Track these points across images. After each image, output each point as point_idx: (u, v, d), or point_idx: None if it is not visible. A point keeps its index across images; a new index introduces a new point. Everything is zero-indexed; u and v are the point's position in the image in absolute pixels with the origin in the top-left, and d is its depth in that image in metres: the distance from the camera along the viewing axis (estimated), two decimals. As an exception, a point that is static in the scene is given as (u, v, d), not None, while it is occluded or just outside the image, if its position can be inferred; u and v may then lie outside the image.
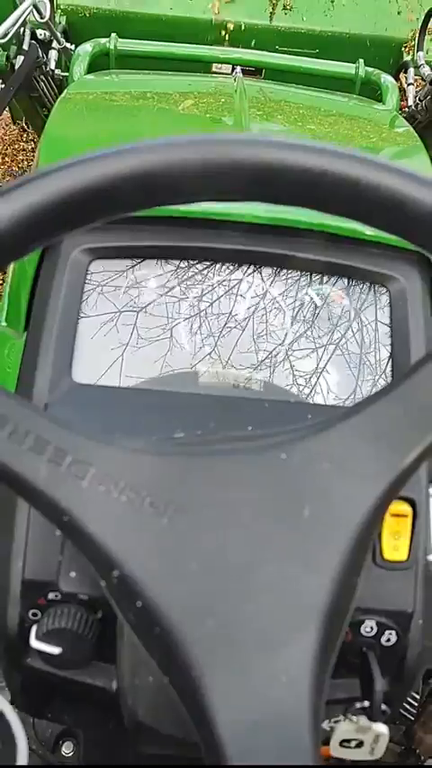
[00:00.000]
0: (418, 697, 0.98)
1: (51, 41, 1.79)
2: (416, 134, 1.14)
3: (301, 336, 0.68)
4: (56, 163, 0.41)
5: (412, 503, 0.59)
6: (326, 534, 0.41)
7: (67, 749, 0.94)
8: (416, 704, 0.97)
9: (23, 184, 0.39)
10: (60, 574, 0.55)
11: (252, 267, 0.70)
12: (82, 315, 0.66)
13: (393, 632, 0.59)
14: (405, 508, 0.59)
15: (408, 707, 0.94)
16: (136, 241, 0.68)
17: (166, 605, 0.39)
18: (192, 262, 0.69)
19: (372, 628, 0.59)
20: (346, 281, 0.70)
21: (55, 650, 0.55)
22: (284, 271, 0.70)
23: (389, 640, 0.59)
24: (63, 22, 1.98)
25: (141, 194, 0.41)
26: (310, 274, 0.70)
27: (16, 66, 1.58)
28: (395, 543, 0.58)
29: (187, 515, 0.40)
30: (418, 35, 1.89)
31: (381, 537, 0.58)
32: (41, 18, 1.60)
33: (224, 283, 0.69)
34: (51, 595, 0.57)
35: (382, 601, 0.59)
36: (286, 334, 0.68)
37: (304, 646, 0.39)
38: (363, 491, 0.41)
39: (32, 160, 2.57)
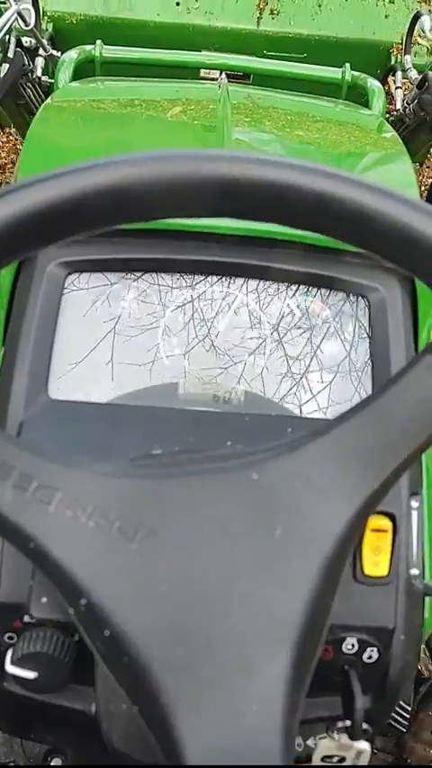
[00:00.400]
0: (408, 708, 0.97)
1: (38, 48, 1.78)
2: (400, 140, 1.14)
3: (282, 348, 0.68)
4: (25, 179, 0.40)
5: (392, 517, 0.58)
6: (297, 555, 0.40)
7: (56, 763, 0.93)
8: (407, 714, 0.96)
9: None
10: (31, 599, 0.54)
11: (231, 279, 0.69)
12: (59, 329, 0.66)
13: (375, 649, 0.58)
14: (385, 523, 0.58)
15: (399, 717, 0.93)
16: (112, 254, 0.67)
17: (135, 634, 0.38)
18: (169, 274, 0.69)
19: (353, 645, 0.58)
20: (325, 291, 0.69)
21: (30, 675, 0.54)
22: (264, 282, 0.69)
23: (371, 657, 0.59)
24: (50, 29, 1.97)
25: (111, 210, 0.41)
26: (290, 285, 0.69)
27: (1, 75, 1.57)
28: (375, 559, 0.58)
29: (157, 540, 0.40)
30: (405, 39, 1.89)
31: (361, 552, 0.58)
32: (26, 26, 1.59)
33: (203, 296, 0.69)
34: (27, 618, 0.56)
35: (362, 617, 0.58)
36: (266, 347, 0.68)
37: (276, 670, 0.38)
38: (335, 511, 0.41)
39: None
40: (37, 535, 0.39)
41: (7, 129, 2.71)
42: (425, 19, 1.75)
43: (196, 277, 0.69)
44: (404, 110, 1.86)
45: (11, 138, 2.89)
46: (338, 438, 0.42)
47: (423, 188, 2.58)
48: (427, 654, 1.11)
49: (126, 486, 0.41)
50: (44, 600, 0.54)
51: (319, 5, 2.10)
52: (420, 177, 2.84)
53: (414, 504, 0.61)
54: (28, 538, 0.39)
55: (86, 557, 0.39)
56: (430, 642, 0.92)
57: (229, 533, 0.40)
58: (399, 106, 1.88)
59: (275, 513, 0.40)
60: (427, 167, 2.83)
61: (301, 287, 0.69)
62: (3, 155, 2.99)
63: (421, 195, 2.23)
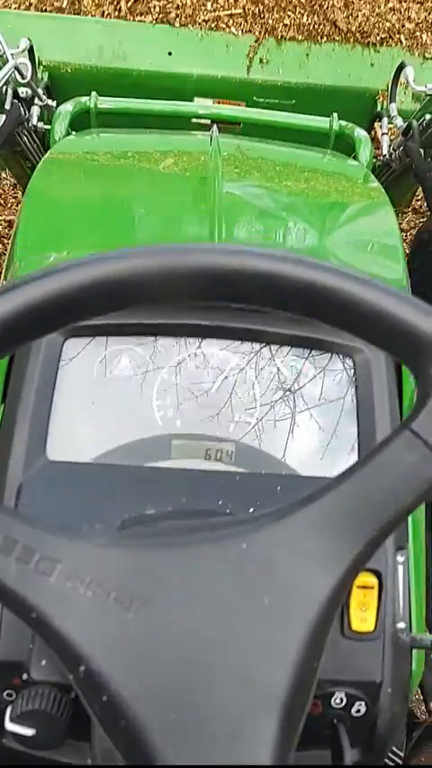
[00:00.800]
0: (401, 754, 0.98)
1: (33, 98, 1.83)
2: (383, 191, 1.18)
3: (271, 409, 0.70)
4: (31, 273, 0.43)
5: (378, 574, 0.60)
6: (285, 622, 0.42)
7: None
8: (400, 761, 0.97)
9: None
10: (32, 662, 0.56)
11: (222, 342, 0.72)
12: (57, 392, 0.68)
13: (363, 703, 0.60)
14: (371, 580, 0.60)
15: (391, 763, 0.94)
16: (108, 319, 0.70)
17: (131, 700, 0.40)
18: (163, 337, 0.72)
19: (341, 699, 0.60)
20: (313, 353, 0.72)
21: (28, 732, 0.55)
22: (254, 344, 0.72)
23: (359, 711, 0.60)
24: (45, 78, 2.03)
25: (110, 302, 0.44)
26: (279, 347, 0.72)
27: (-1, 126, 1.61)
28: (362, 615, 0.60)
29: (151, 609, 0.42)
30: (390, 87, 1.95)
31: (348, 608, 0.60)
32: (23, 79, 1.64)
33: (195, 357, 0.71)
34: (26, 676, 0.58)
35: (350, 672, 0.60)
36: (256, 407, 0.70)
37: (266, 733, 0.40)
38: (319, 579, 0.43)
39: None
40: (39, 605, 0.41)
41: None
42: (409, 69, 1.81)
43: (189, 340, 0.72)
44: (390, 155, 1.91)
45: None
46: (322, 507, 0.44)
47: (410, 233, 2.64)
48: (422, 697, 1.12)
49: (121, 556, 0.43)
50: (44, 662, 0.56)
51: (307, 54, 2.18)
52: (407, 219, 2.90)
53: (400, 558, 0.64)
54: (30, 608, 0.41)
55: (85, 626, 0.41)
56: (423, 685, 0.93)
57: (220, 603, 0.42)
58: (385, 152, 1.94)
59: (264, 582, 0.43)
60: (409, 211, 2.89)
61: (289, 348, 0.72)
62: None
63: (405, 242, 2.29)
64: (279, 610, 0.42)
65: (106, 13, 2.22)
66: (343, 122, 1.69)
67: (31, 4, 2.27)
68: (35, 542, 0.42)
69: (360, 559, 0.44)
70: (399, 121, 1.88)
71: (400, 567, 0.64)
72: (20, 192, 2.85)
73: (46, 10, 2.23)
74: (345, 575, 0.44)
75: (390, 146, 1.93)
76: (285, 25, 2.19)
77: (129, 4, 2.23)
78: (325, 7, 2.18)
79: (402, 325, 0.44)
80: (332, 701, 0.60)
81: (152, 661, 0.40)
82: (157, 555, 0.43)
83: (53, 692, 0.56)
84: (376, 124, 2.12)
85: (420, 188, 1.91)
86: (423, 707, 1.16)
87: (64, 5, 2.25)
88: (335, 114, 1.70)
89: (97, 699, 0.40)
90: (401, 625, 0.63)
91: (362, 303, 0.44)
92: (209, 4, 2.20)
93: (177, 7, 2.18)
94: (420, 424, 0.44)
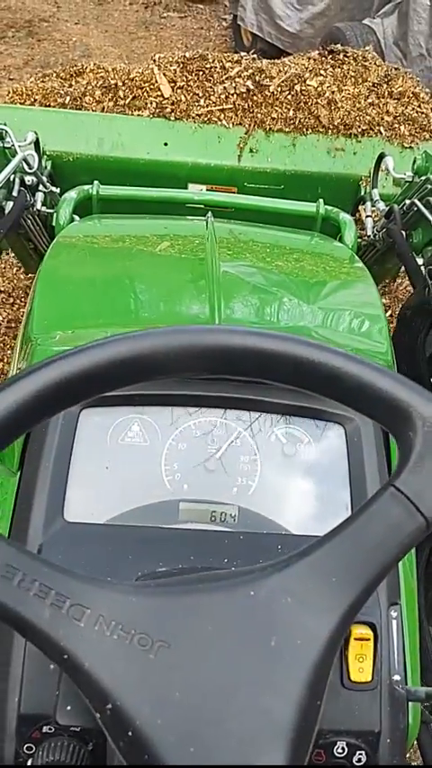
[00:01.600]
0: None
1: (38, 185, 1.95)
2: (367, 270, 1.27)
3: (270, 473, 0.76)
4: (32, 365, 0.50)
5: (373, 627, 0.65)
6: (290, 663, 0.47)
7: None
8: None
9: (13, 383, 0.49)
10: (57, 707, 0.59)
11: (226, 411, 0.78)
12: (72, 458, 0.74)
13: (363, 752, 0.63)
14: (367, 632, 0.64)
15: None
16: (121, 391, 0.76)
17: (153, 735, 0.44)
18: (171, 407, 0.78)
19: (343, 749, 0.63)
20: (308, 421, 0.78)
21: None
22: (254, 414, 0.79)
23: (360, 760, 0.63)
24: (49, 167, 2.16)
25: (130, 375, 0.51)
26: (277, 416, 0.79)
27: (6, 210, 1.72)
28: (360, 665, 0.64)
29: (170, 650, 0.46)
30: (371, 175, 2.09)
31: (347, 660, 0.64)
32: (30, 169, 1.75)
33: (200, 426, 0.78)
34: (45, 728, 0.61)
35: (351, 722, 0.63)
36: (256, 472, 0.76)
37: (275, 764, 0.44)
38: (320, 621, 0.48)
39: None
40: (70, 649, 0.45)
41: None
42: (388, 159, 1.94)
43: (194, 409, 0.78)
44: (374, 236, 2.03)
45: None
46: (320, 558, 0.50)
47: (395, 307, 2.76)
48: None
49: (143, 603, 0.48)
50: (69, 708, 0.59)
51: (293, 144, 2.33)
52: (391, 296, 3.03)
53: (393, 613, 0.68)
54: (63, 650, 0.45)
55: (112, 667, 0.45)
56: (421, 742, 0.95)
57: (231, 644, 0.47)
58: (369, 233, 2.06)
59: (270, 626, 0.48)
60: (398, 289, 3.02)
61: (286, 417, 0.79)
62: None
63: (387, 312, 2.39)
64: (284, 651, 0.47)
65: (106, 108, 2.38)
66: (329, 207, 1.80)
67: (35, 101, 2.43)
68: (67, 589, 0.47)
69: (355, 605, 0.49)
70: (381, 205, 2.00)
71: (394, 622, 0.68)
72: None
73: (50, 105, 2.40)
74: (342, 619, 0.49)
75: (373, 227, 2.05)
76: (273, 118, 2.35)
77: (127, 100, 2.40)
78: (309, 104, 2.36)
79: (383, 395, 0.51)
80: (334, 750, 0.63)
81: (172, 699, 0.45)
82: (174, 601, 0.48)
83: (72, 742, 0.59)
84: (360, 207, 2.25)
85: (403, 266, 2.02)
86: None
87: (66, 101, 2.41)
88: (321, 201, 1.82)
89: (123, 735, 0.44)
90: (397, 677, 0.66)
91: (347, 376, 0.51)
92: (201, 101, 2.38)
93: (172, 103, 2.35)
94: (403, 482, 0.50)
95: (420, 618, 0.73)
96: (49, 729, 0.60)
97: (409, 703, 0.68)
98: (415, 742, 0.75)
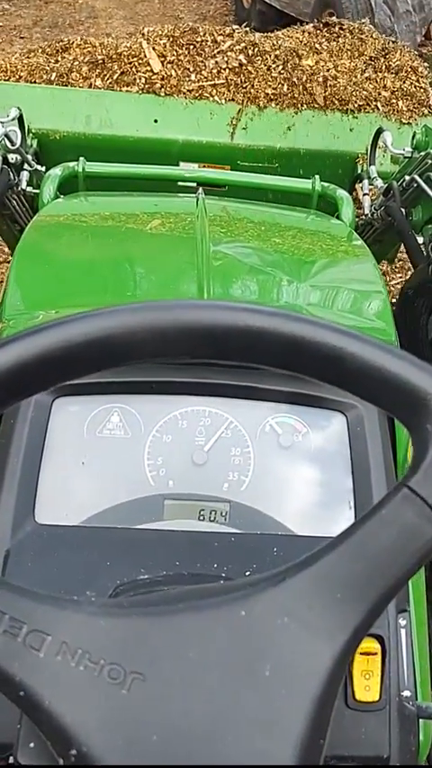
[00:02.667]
0: None
1: (23, 163, 1.87)
2: (367, 248, 1.20)
3: (265, 466, 0.69)
4: (16, 334, 0.42)
5: (381, 639, 0.58)
6: (288, 696, 0.40)
7: None
8: None
9: None
10: (19, 745, 0.53)
11: (214, 399, 0.71)
12: (45, 453, 0.67)
13: None
14: (374, 646, 0.58)
15: None
16: (97, 377, 0.69)
17: None
18: (154, 395, 0.71)
19: None
20: (306, 409, 0.71)
21: None
22: (246, 401, 0.71)
23: None
24: (34, 145, 2.07)
25: (98, 359, 0.43)
26: (271, 404, 0.72)
27: (-13, 189, 1.64)
28: (366, 683, 0.57)
29: (146, 683, 0.40)
30: (369, 151, 2.01)
31: (351, 677, 0.57)
32: (13, 145, 1.67)
33: (186, 415, 0.70)
34: (12, 759, 0.54)
35: (356, 747, 0.57)
36: (250, 465, 0.69)
37: None
38: (322, 648, 0.41)
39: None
40: (28, 684, 0.38)
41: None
42: (386, 134, 1.87)
43: (180, 397, 0.71)
44: (372, 215, 1.96)
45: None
46: (322, 571, 0.42)
47: (395, 289, 2.69)
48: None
49: (114, 627, 0.41)
50: (32, 745, 0.53)
51: (288, 121, 2.25)
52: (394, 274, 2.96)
53: (402, 622, 0.61)
54: (18, 686, 0.38)
55: (77, 706, 0.38)
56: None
57: (218, 675, 0.40)
58: (367, 211, 1.98)
59: (264, 652, 0.41)
60: (400, 267, 2.95)
61: (282, 405, 0.71)
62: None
63: (390, 295, 2.33)
64: (281, 683, 0.40)
65: (93, 84, 2.30)
66: (325, 183, 1.73)
67: (20, 77, 2.34)
68: (23, 614, 0.40)
69: (363, 626, 0.42)
70: (379, 182, 1.93)
71: (403, 632, 0.61)
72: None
73: (35, 82, 2.31)
74: (348, 643, 0.42)
75: (371, 206, 1.98)
76: (267, 94, 2.27)
77: (115, 76, 2.31)
78: (304, 80, 2.27)
79: (396, 381, 0.43)
80: None
81: (148, 742, 0.38)
82: (151, 625, 0.41)
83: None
84: (357, 185, 2.17)
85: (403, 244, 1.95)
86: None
87: (53, 78, 2.32)
88: (317, 177, 1.74)
89: None
90: (407, 693, 0.60)
91: (353, 358, 0.43)
92: (193, 76, 2.29)
93: (162, 78, 2.27)
94: (418, 482, 0.43)
95: (430, 626, 0.67)
96: (14, 762, 0.54)
97: (420, 720, 0.61)
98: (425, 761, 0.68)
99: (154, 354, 0.44)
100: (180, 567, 0.60)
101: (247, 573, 0.59)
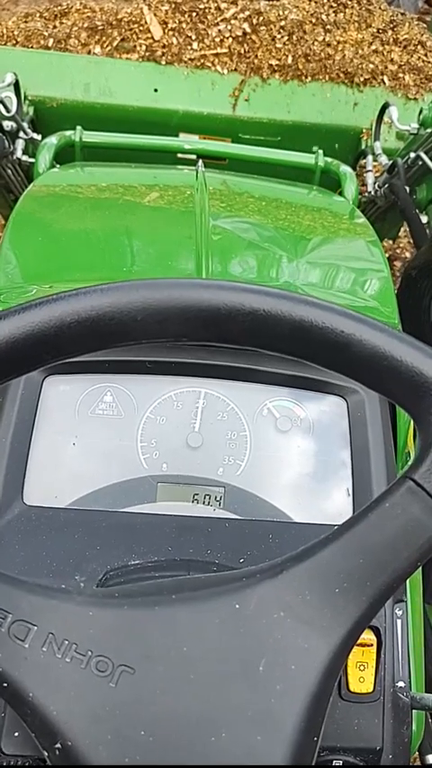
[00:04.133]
0: None
1: (18, 131, 1.82)
2: (370, 226, 1.17)
3: (262, 450, 0.67)
4: (5, 310, 0.40)
5: (377, 630, 0.57)
6: (282, 692, 0.38)
7: None
8: None
9: None
10: (3, 735, 0.51)
11: (210, 380, 0.69)
12: (35, 433, 0.64)
13: None
14: (370, 637, 0.56)
15: None
16: (90, 356, 0.67)
17: None
18: (149, 375, 0.68)
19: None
20: (305, 393, 0.69)
21: None
22: (243, 383, 0.69)
23: None
24: (31, 113, 2.02)
25: (90, 339, 0.41)
26: (270, 387, 0.69)
27: (-19, 157, 1.60)
28: (361, 674, 0.56)
29: (135, 677, 0.38)
30: (374, 126, 1.97)
31: (346, 668, 0.56)
32: (8, 112, 1.63)
33: (181, 397, 0.68)
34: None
35: (349, 738, 0.55)
36: (246, 449, 0.67)
37: None
38: (318, 643, 0.39)
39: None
40: (12, 675, 0.37)
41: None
42: (392, 109, 1.83)
43: (176, 378, 0.69)
44: (375, 192, 1.92)
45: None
46: (320, 564, 0.41)
47: (400, 267, 2.65)
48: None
49: (102, 618, 0.39)
50: (17, 734, 0.51)
51: (292, 93, 2.20)
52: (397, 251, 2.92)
53: (398, 612, 0.60)
54: (2, 678, 0.37)
55: (63, 698, 0.37)
56: (421, 749, 0.88)
57: (210, 670, 0.38)
58: (370, 189, 1.95)
59: (259, 646, 0.39)
60: (401, 247, 2.91)
61: (280, 388, 0.69)
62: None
63: (395, 277, 2.29)
64: (275, 678, 0.38)
65: (92, 52, 2.23)
66: (328, 159, 1.69)
67: (17, 42, 2.28)
68: (8, 603, 0.38)
69: (362, 621, 0.40)
70: (383, 159, 1.89)
71: (399, 622, 0.60)
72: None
73: (32, 48, 2.24)
74: (345, 638, 0.40)
75: (375, 183, 1.94)
76: (270, 65, 2.21)
77: (115, 43, 2.25)
78: (309, 51, 2.22)
79: (402, 368, 0.41)
80: None
81: (136, 737, 0.36)
82: (141, 616, 0.40)
83: (27, 762, 0.51)
84: (361, 161, 2.13)
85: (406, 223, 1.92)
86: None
87: (50, 44, 2.26)
88: (320, 151, 1.70)
89: None
90: (401, 684, 0.59)
91: (356, 343, 0.41)
92: (194, 44, 2.23)
93: (163, 46, 2.21)
94: (423, 475, 0.41)
95: (424, 617, 0.66)
96: (1, 755, 0.52)
97: (413, 711, 0.60)
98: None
99: (151, 336, 0.41)
100: (172, 553, 0.58)
101: (242, 560, 0.58)
